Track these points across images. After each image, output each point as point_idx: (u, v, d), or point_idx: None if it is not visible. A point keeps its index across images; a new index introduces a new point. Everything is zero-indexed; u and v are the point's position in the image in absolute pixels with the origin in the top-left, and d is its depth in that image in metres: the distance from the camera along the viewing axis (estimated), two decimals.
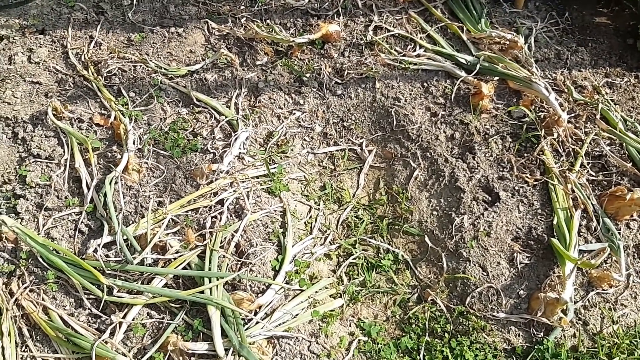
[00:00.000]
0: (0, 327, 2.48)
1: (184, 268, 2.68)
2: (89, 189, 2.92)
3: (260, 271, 2.71)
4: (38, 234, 2.75)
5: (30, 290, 2.62)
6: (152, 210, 2.82)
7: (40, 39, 3.64)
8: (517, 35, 3.56)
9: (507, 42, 3.58)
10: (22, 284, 2.63)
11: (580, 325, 2.70)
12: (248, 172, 3.05)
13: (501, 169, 3.12)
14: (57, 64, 3.52)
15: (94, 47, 3.60)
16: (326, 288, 2.80)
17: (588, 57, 3.68)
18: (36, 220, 2.84)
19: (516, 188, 3.04)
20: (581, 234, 2.88)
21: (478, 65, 3.46)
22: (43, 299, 2.59)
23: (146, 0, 3.88)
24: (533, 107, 3.34)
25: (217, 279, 2.60)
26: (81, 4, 3.83)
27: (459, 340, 2.65)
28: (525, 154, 3.16)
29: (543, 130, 3.18)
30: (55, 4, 3.83)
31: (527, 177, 3.07)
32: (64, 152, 3.09)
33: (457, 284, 2.82)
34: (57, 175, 2.98)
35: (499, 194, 3.01)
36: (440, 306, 2.77)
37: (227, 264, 2.70)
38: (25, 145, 3.13)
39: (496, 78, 3.45)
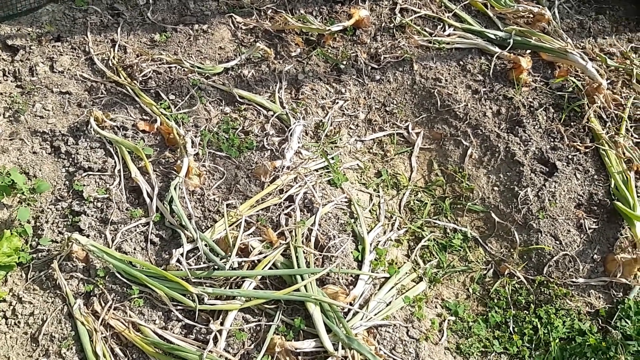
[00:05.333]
0: (94, 350, 2.38)
1: (270, 268, 2.63)
2: (151, 198, 2.82)
3: (344, 263, 2.70)
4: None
5: (115, 309, 2.52)
6: (226, 213, 2.75)
7: (58, 46, 3.46)
8: (543, 8, 3.63)
9: (533, 15, 3.65)
10: (105, 303, 2.52)
11: None
12: (309, 165, 3.01)
13: (552, 140, 3.19)
14: (83, 72, 3.35)
15: (118, 50, 3.45)
16: (406, 273, 2.82)
17: (609, 25, 3.80)
18: (103, 235, 2.72)
19: (570, 157, 3.12)
20: (638, 194, 2.99)
21: (511, 40, 3.51)
22: (130, 316, 2.49)
23: None
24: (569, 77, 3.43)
25: (309, 276, 2.56)
26: (94, 6, 3.65)
27: (545, 309, 2.72)
28: (572, 123, 3.25)
29: (585, 98, 3.27)
30: (66, 8, 3.63)
31: (578, 145, 3.15)
32: (115, 162, 2.96)
33: (531, 255, 2.88)
34: (114, 187, 2.86)
35: (555, 164, 3.09)
36: (519, 278, 2.83)
37: (312, 260, 2.67)
38: (71, 159, 2.98)
39: (528, 51, 3.52)
